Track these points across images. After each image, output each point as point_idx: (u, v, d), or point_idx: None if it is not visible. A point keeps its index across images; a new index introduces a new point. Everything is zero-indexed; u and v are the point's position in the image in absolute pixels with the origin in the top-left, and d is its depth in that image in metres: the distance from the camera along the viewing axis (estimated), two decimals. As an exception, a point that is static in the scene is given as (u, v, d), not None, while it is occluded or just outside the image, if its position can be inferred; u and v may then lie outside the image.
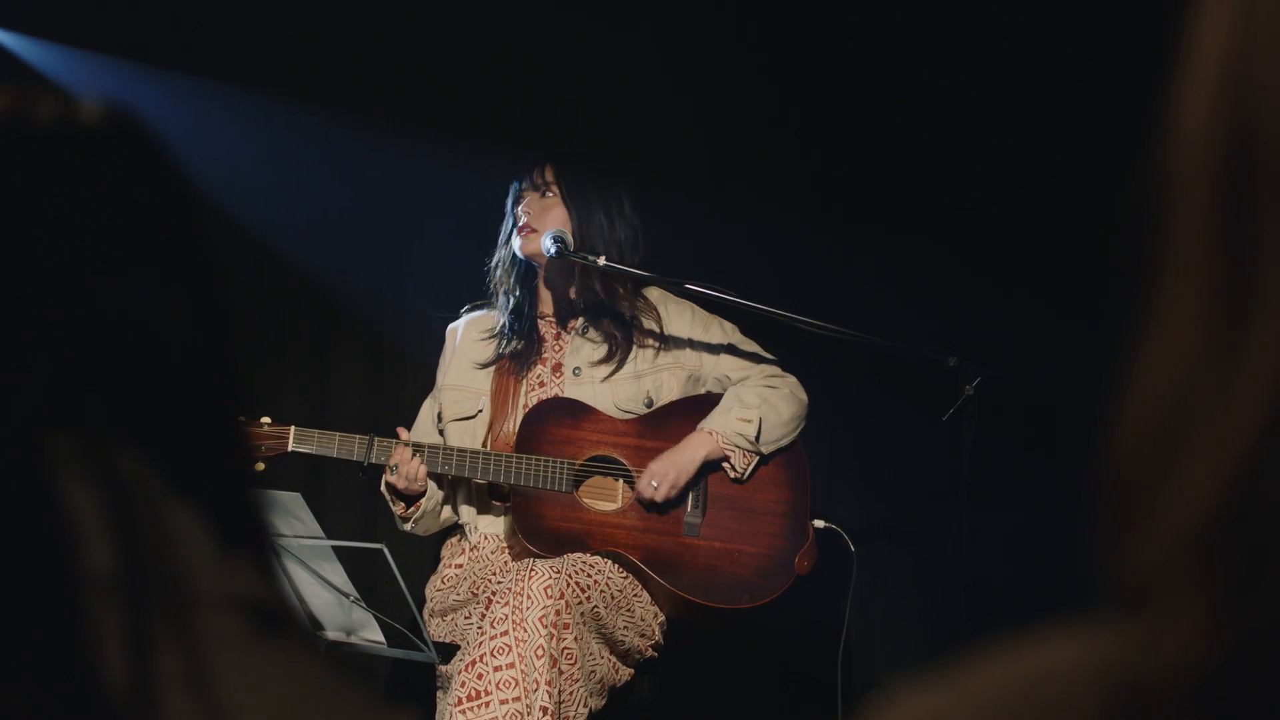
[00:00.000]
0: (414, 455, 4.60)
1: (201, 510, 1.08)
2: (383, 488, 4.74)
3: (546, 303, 4.94)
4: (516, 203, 4.85)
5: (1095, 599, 0.69)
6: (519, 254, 4.84)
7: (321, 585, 4.34)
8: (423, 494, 4.66)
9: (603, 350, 4.83)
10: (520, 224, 4.82)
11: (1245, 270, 0.66)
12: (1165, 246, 0.69)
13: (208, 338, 1.17)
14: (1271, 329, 0.65)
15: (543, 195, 4.80)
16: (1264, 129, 0.66)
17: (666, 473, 4.69)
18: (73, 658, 0.97)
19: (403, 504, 4.69)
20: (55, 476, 1.02)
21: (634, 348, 4.83)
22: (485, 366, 4.86)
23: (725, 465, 4.74)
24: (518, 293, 4.88)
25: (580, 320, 4.87)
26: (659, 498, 4.67)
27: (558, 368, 4.85)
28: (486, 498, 4.80)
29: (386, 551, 4.15)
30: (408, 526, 4.73)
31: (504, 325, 4.88)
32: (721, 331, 4.90)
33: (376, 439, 4.62)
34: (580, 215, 4.78)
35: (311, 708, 1.05)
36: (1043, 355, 5.35)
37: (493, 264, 4.95)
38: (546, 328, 4.92)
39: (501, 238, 4.93)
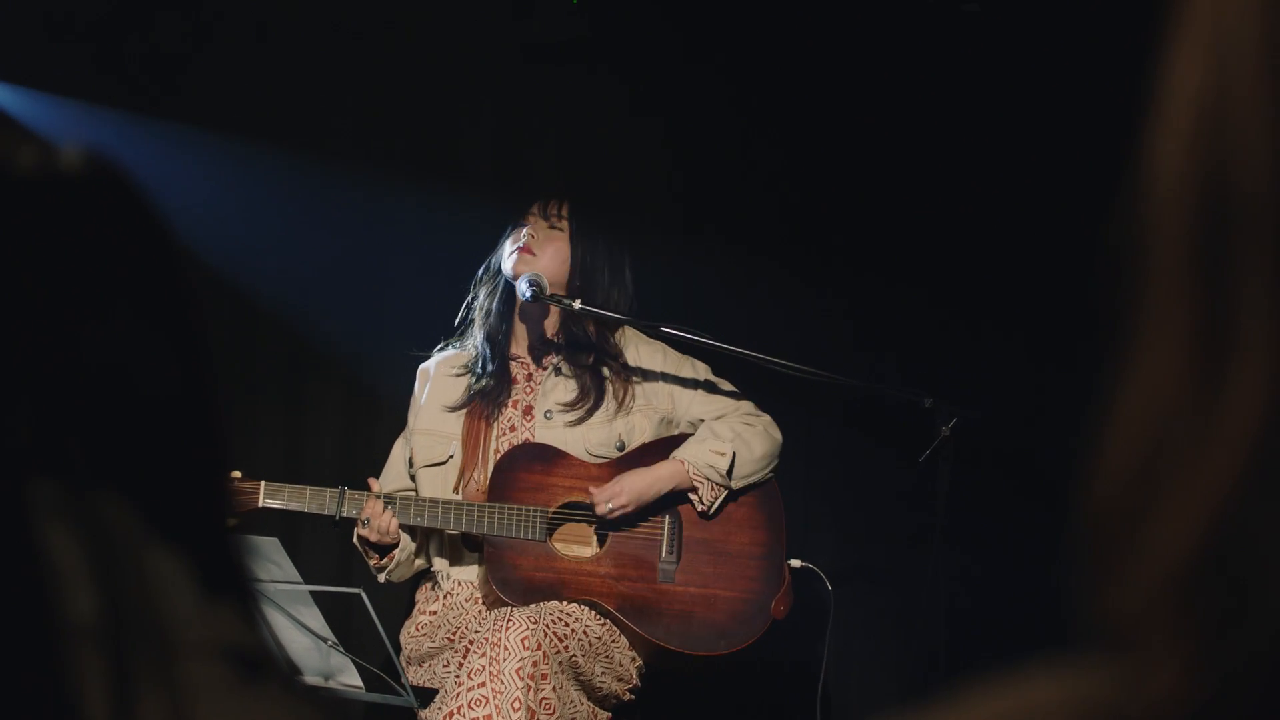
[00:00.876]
0: (385, 509, 4.59)
1: (183, 557, 1.08)
2: (355, 540, 4.72)
3: (520, 342, 4.93)
4: (518, 226, 4.84)
5: (1076, 641, 0.70)
6: (507, 272, 4.83)
7: (299, 630, 4.33)
8: (395, 545, 4.64)
9: (575, 392, 4.82)
10: (521, 243, 4.82)
11: (1223, 316, 0.66)
12: (1143, 292, 0.69)
13: (190, 385, 1.17)
14: (1249, 375, 0.65)
15: (551, 226, 4.80)
16: (1239, 176, 0.67)
17: (625, 500, 4.67)
18: (55, 707, 0.97)
19: (376, 555, 4.68)
20: (37, 525, 1.02)
21: (606, 391, 4.83)
22: (456, 410, 4.85)
23: (693, 496, 4.74)
24: (494, 324, 4.87)
25: (555, 359, 4.86)
26: (609, 518, 4.66)
27: (529, 410, 4.84)
28: (458, 545, 4.79)
29: (364, 596, 4.15)
30: (382, 577, 4.72)
31: (476, 360, 4.87)
32: (694, 371, 4.90)
33: (348, 491, 4.61)
34: (582, 260, 4.78)
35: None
36: (1019, 396, 5.36)
37: (471, 297, 4.94)
38: (519, 368, 4.91)
39: (487, 269, 4.92)
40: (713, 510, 4.75)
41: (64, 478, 1.05)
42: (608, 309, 4.78)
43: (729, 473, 4.72)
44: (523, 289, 4.69)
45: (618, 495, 4.67)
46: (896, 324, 5.76)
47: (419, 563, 4.79)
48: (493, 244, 4.97)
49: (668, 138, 6.00)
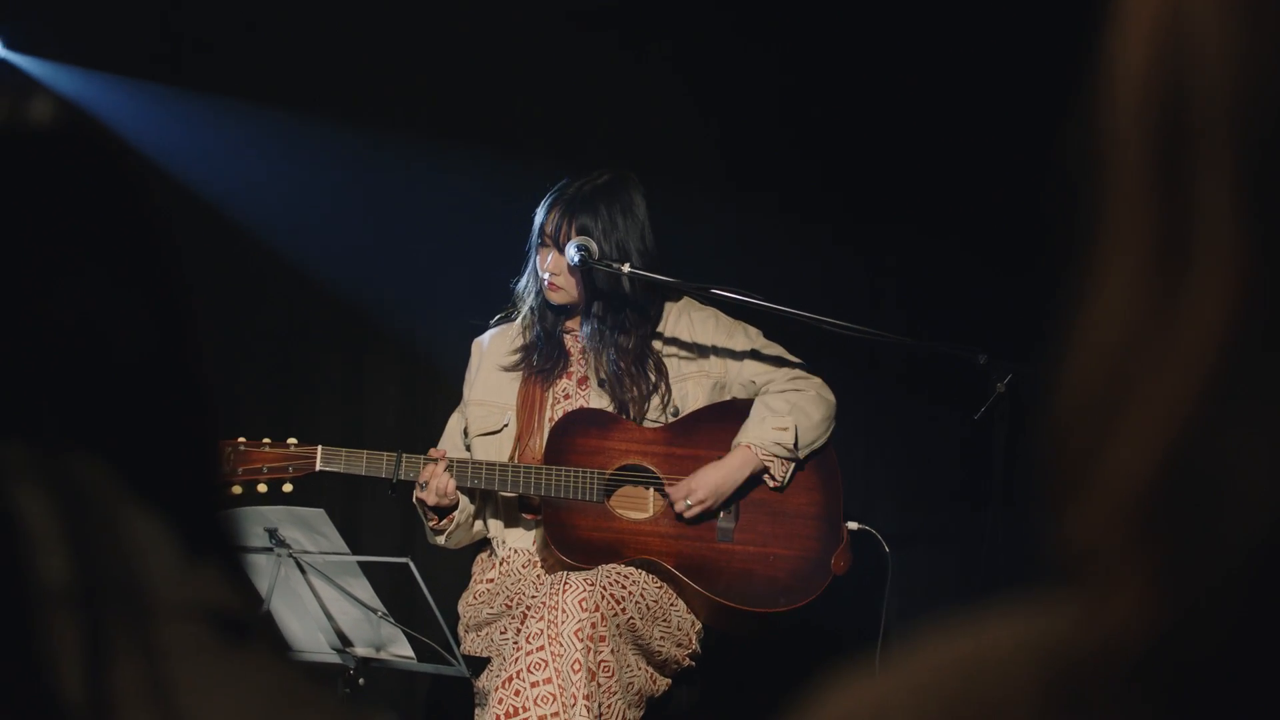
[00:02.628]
0: (444, 470, 4.58)
1: (163, 518, 1.05)
2: (415, 501, 4.72)
3: (571, 317, 4.91)
4: (540, 242, 4.81)
5: (1039, 575, 0.66)
6: (551, 303, 4.82)
7: (349, 601, 4.32)
8: (454, 508, 4.63)
9: (627, 361, 4.80)
10: (545, 282, 4.79)
11: (1183, 228, 0.63)
12: (1101, 207, 0.66)
13: (169, 344, 1.14)
14: (1210, 288, 0.62)
15: (561, 251, 4.75)
16: (1199, 85, 0.64)
17: (702, 495, 4.66)
18: (27, 672, 0.94)
19: (435, 516, 4.66)
20: (6, 486, 0.99)
21: (653, 359, 4.81)
22: (510, 371, 4.84)
23: (765, 477, 4.71)
24: (542, 310, 4.85)
25: (606, 332, 4.83)
26: (688, 515, 4.65)
27: (583, 380, 4.83)
28: (515, 512, 4.77)
29: (413, 566, 4.13)
30: (440, 540, 4.70)
31: (530, 340, 4.86)
32: (745, 337, 4.87)
33: (404, 455, 4.60)
34: (596, 237, 4.73)
35: (279, 718, 1.02)
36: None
37: (520, 282, 4.92)
38: (572, 342, 4.89)
39: (527, 263, 4.89)
40: (785, 483, 4.73)
41: (35, 438, 1.02)
42: (634, 254, 4.74)
43: (795, 444, 4.69)
44: (571, 254, 4.66)
45: (694, 491, 4.65)
46: (950, 281, 5.70)
47: (478, 528, 4.78)
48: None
49: (716, 101, 5.96)
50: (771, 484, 4.72)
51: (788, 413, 4.71)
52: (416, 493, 4.62)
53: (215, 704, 0.99)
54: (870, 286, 5.87)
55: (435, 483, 4.56)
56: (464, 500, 4.66)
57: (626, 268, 4.64)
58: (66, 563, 0.97)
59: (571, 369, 4.86)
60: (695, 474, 4.69)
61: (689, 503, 4.65)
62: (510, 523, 4.78)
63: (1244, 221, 0.62)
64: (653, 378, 4.79)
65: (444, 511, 4.65)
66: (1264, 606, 0.59)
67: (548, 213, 4.78)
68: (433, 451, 4.68)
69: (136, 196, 1.16)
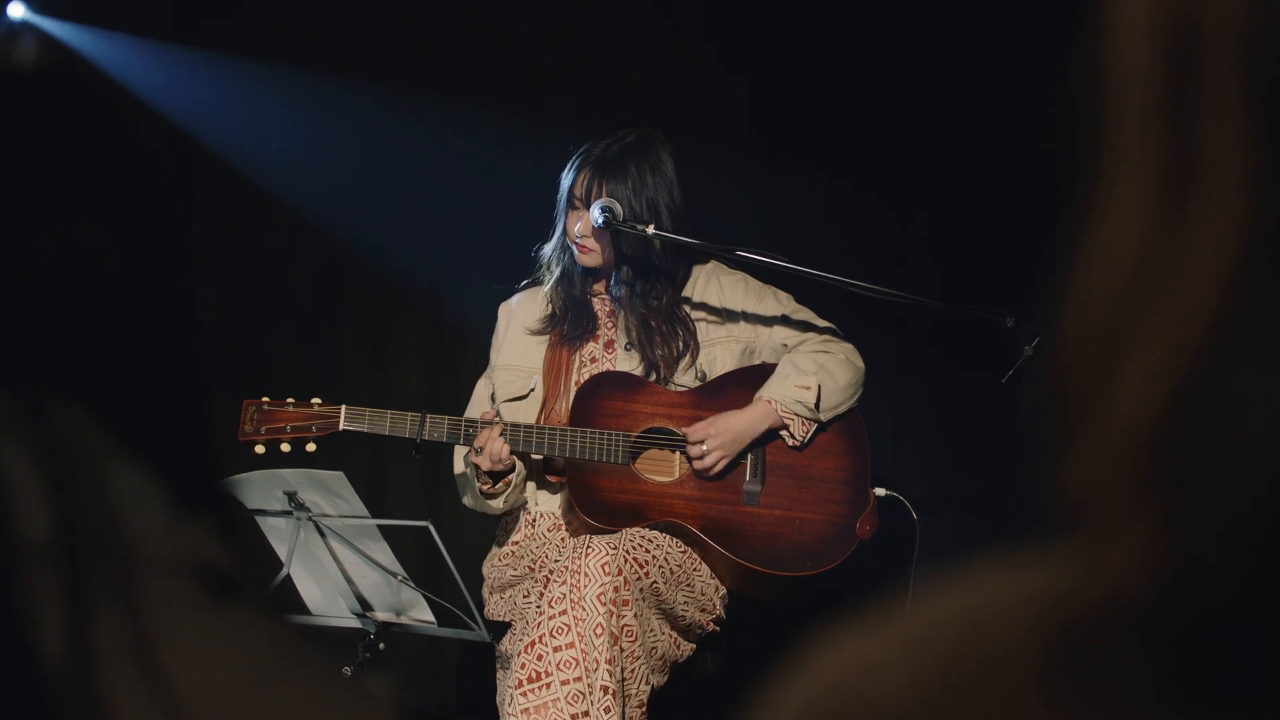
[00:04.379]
0: (499, 435, 4.55)
1: (150, 471, 1.03)
2: (467, 468, 4.69)
3: (598, 281, 4.88)
4: (569, 204, 4.78)
5: (1037, 525, 0.63)
6: (580, 265, 4.80)
7: (368, 565, 4.31)
8: (510, 471, 4.60)
9: (658, 320, 4.77)
10: (576, 244, 4.77)
11: (1190, 157, 0.60)
12: (1105, 138, 0.62)
13: (157, 292, 1.11)
14: (1218, 219, 0.58)
15: (588, 210, 4.72)
16: (1207, 11, 0.60)
17: (720, 444, 4.63)
18: (8, 625, 0.92)
19: (489, 480, 4.63)
20: (-12, 437, 0.96)
21: (687, 323, 4.79)
22: (538, 335, 4.82)
23: (784, 434, 4.69)
24: (571, 262, 4.83)
25: (634, 294, 4.80)
26: (705, 465, 4.62)
27: (610, 344, 4.81)
28: (540, 476, 4.75)
29: (433, 529, 4.11)
30: (498, 503, 4.67)
31: (559, 304, 4.83)
32: (776, 301, 4.84)
33: (429, 415, 4.58)
34: (623, 200, 4.70)
35: (268, 677, 0.99)
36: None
37: (547, 247, 4.89)
38: (600, 305, 4.87)
39: (555, 229, 4.86)
40: (803, 444, 4.70)
41: (17, 388, 1.00)
42: (664, 258, 4.72)
43: (816, 405, 4.66)
44: (595, 215, 4.63)
45: (711, 436, 4.62)
46: (976, 243, 5.67)
47: (529, 489, 4.76)
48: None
49: (744, 61, 5.93)
50: (790, 442, 4.69)
51: (813, 372, 4.68)
52: (471, 457, 4.59)
53: (200, 662, 0.96)
54: (898, 248, 5.83)
55: (490, 448, 4.53)
56: (517, 462, 4.63)
57: (651, 229, 4.61)
58: (47, 515, 0.95)
59: (599, 333, 4.84)
60: (713, 419, 4.66)
61: (706, 448, 4.63)
62: (538, 485, 4.76)
63: (1253, 149, 0.58)
64: (682, 339, 4.76)
65: (498, 476, 4.62)
66: (1272, 556, 0.56)
67: (576, 174, 4.75)
68: (485, 415, 4.66)
69: (127, 141, 1.13)
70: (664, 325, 4.76)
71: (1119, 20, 0.64)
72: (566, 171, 4.78)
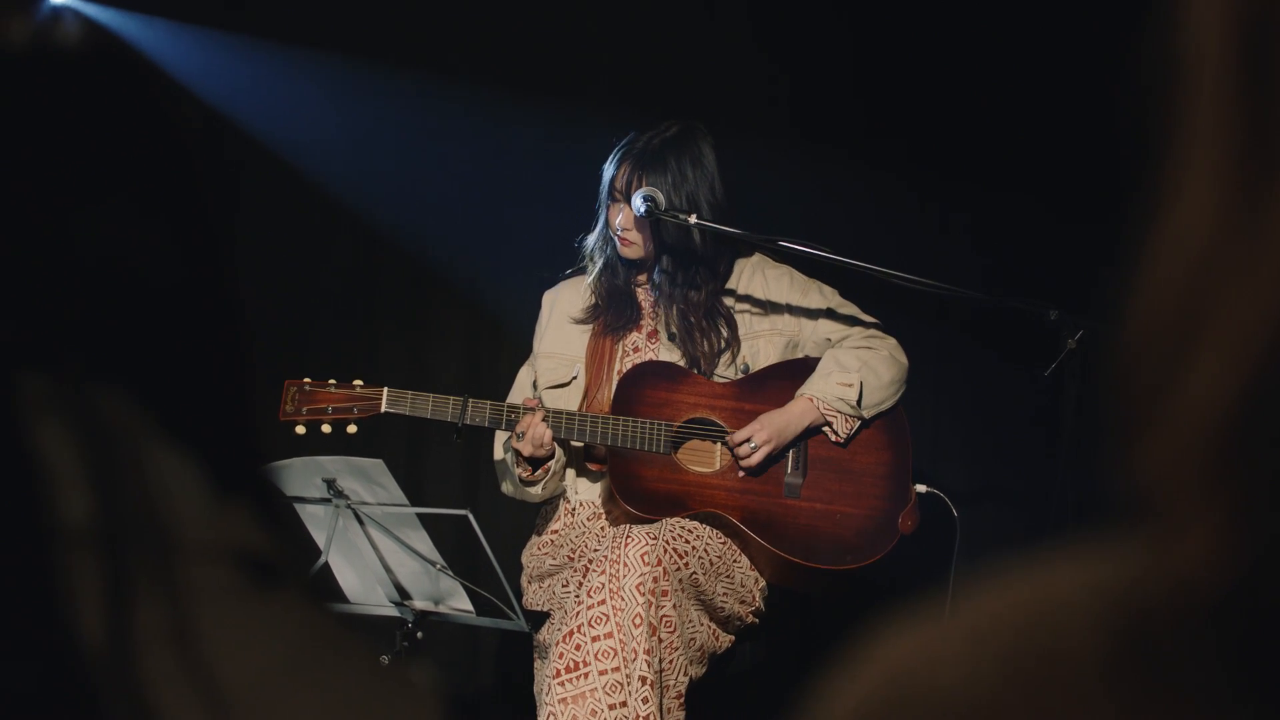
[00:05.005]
0: (541, 420, 4.54)
1: (192, 455, 1.02)
2: (506, 455, 4.69)
3: (641, 272, 4.87)
4: (610, 197, 4.77)
5: (1107, 515, 0.61)
6: (622, 257, 4.79)
7: (407, 553, 4.30)
8: (549, 458, 4.60)
9: (698, 316, 4.76)
10: (618, 237, 4.77)
11: (1272, 132, 0.57)
12: (1181, 113, 0.60)
13: (199, 273, 1.10)
14: None
15: (630, 203, 4.71)
16: None
17: (767, 438, 4.62)
18: (46, 613, 0.91)
19: (529, 467, 4.62)
20: (27, 420, 0.95)
21: (729, 317, 4.77)
22: (581, 324, 4.81)
23: (827, 430, 4.67)
24: (614, 253, 4.82)
25: (676, 285, 4.79)
26: (752, 462, 4.61)
27: (653, 334, 4.81)
28: (581, 465, 4.75)
29: (472, 518, 4.10)
30: (537, 490, 4.66)
31: (600, 294, 4.83)
32: (820, 296, 4.83)
33: (471, 400, 4.57)
34: (663, 193, 4.68)
35: (308, 666, 0.98)
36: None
37: (590, 239, 4.88)
38: (643, 295, 4.86)
39: (598, 222, 4.86)
40: (846, 441, 4.69)
41: (57, 371, 0.98)
42: (707, 249, 4.71)
43: (859, 402, 4.64)
44: (637, 204, 4.62)
45: (757, 432, 4.61)
46: (1021, 234, 5.64)
47: (569, 477, 4.75)
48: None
49: (786, 52, 5.91)
50: (833, 438, 4.69)
51: (856, 369, 4.67)
52: (513, 443, 4.58)
53: (241, 649, 0.95)
54: (940, 240, 5.80)
55: (533, 432, 4.53)
56: (558, 450, 4.63)
57: (693, 219, 4.60)
58: (88, 500, 0.94)
59: (642, 323, 4.84)
60: (753, 423, 4.65)
61: (754, 444, 4.62)
62: (579, 473, 4.76)
63: None
64: (724, 332, 4.75)
65: (537, 463, 4.62)
66: None
67: (617, 168, 4.74)
68: (527, 401, 4.66)
69: (167, 122, 1.12)
70: (703, 320, 4.76)
71: None
72: (608, 164, 4.77)
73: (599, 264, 4.85)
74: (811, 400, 4.66)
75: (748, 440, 4.63)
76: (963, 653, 0.64)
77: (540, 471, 4.62)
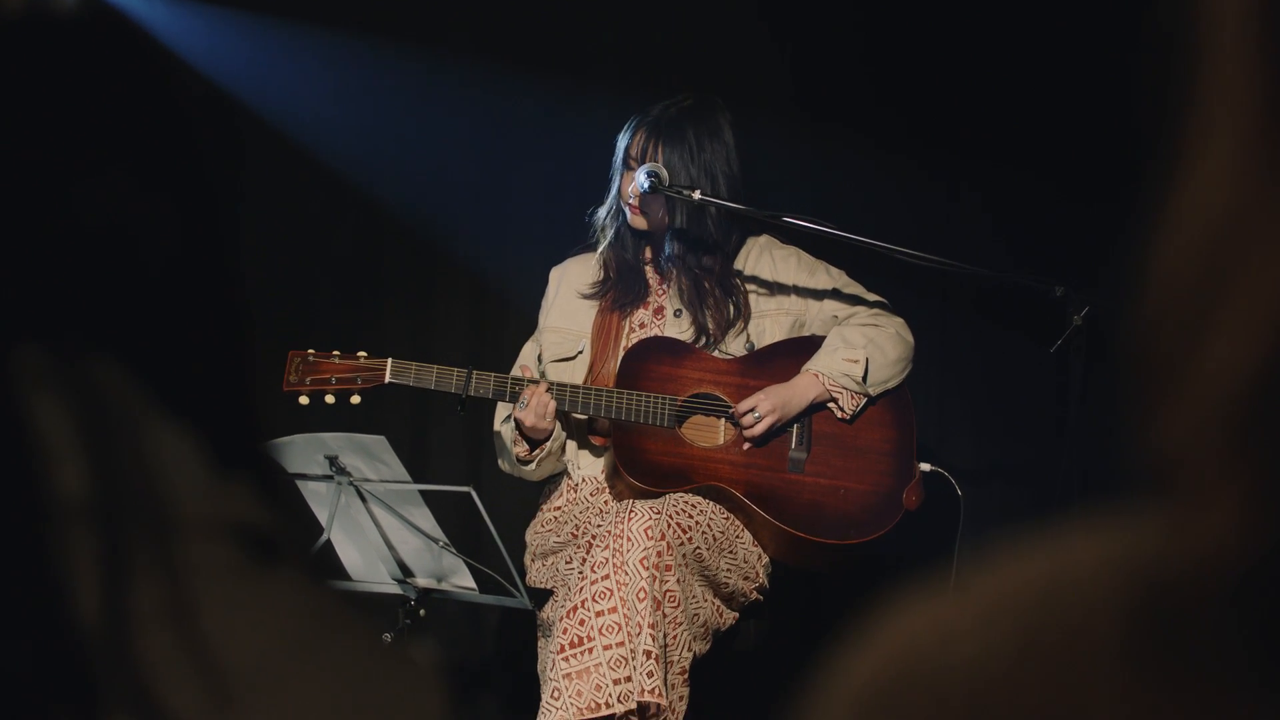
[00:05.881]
0: (545, 390, 4.54)
1: (191, 429, 1.00)
2: (508, 430, 4.68)
3: (651, 248, 4.86)
4: (625, 165, 4.75)
5: (1125, 487, 0.59)
6: (633, 228, 4.78)
7: (410, 530, 4.29)
8: (547, 436, 4.59)
9: (711, 282, 4.75)
10: (629, 206, 4.74)
11: None
12: (1197, 69, 0.59)
13: (198, 244, 1.08)
14: None
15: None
16: None
17: (771, 408, 4.61)
18: (42, 589, 0.89)
19: (526, 445, 4.62)
20: (22, 393, 0.94)
21: (741, 291, 4.77)
22: (588, 299, 4.80)
23: (832, 406, 4.67)
24: (623, 229, 4.80)
25: (687, 260, 4.78)
26: (756, 432, 4.60)
27: (659, 310, 4.80)
28: (584, 440, 4.74)
29: (474, 494, 4.10)
30: (532, 468, 4.66)
31: (611, 269, 4.82)
32: (828, 275, 4.83)
33: (475, 371, 4.57)
34: (679, 164, 4.67)
35: (308, 644, 0.97)
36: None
37: (601, 210, 4.87)
38: (651, 271, 4.86)
39: (610, 192, 4.84)
40: (852, 418, 4.68)
41: (53, 343, 0.97)
42: (717, 224, 4.70)
43: (864, 379, 4.63)
44: (641, 180, 4.60)
45: (766, 411, 4.61)
46: (1026, 210, 5.62)
47: (566, 459, 4.74)
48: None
49: (790, 27, 5.90)
50: (839, 414, 4.68)
51: (862, 346, 4.66)
52: (516, 412, 4.57)
53: (240, 626, 0.94)
54: (946, 216, 5.78)
55: (536, 401, 4.52)
56: (557, 429, 4.62)
57: (698, 194, 4.58)
58: (84, 475, 0.93)
59: (649, 299, 4.83)
60: (759, 394, 4.65)
61: (757, 414, 4.61)
62: (582, 448, 4.75)
63: None
64: (735, 304, 4.74)
65: (535, 442, 4.61)
66: None
67: (633, 135, 4.73)
68: (526, 371, 4.65)
69: (167, 95, 1.11)
70: (717, 289, 4.75)
71: None
72: (623, 133, 4.76)
73: (609, 236, 4.83)
74: (817, 376, 4.65)
75: (752, 410, 4.62)
76: (976, 628, 0.63)
77: (538, 450, 4.62)
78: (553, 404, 4.54)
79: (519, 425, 4.58)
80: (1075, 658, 0.60)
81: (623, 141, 4.75)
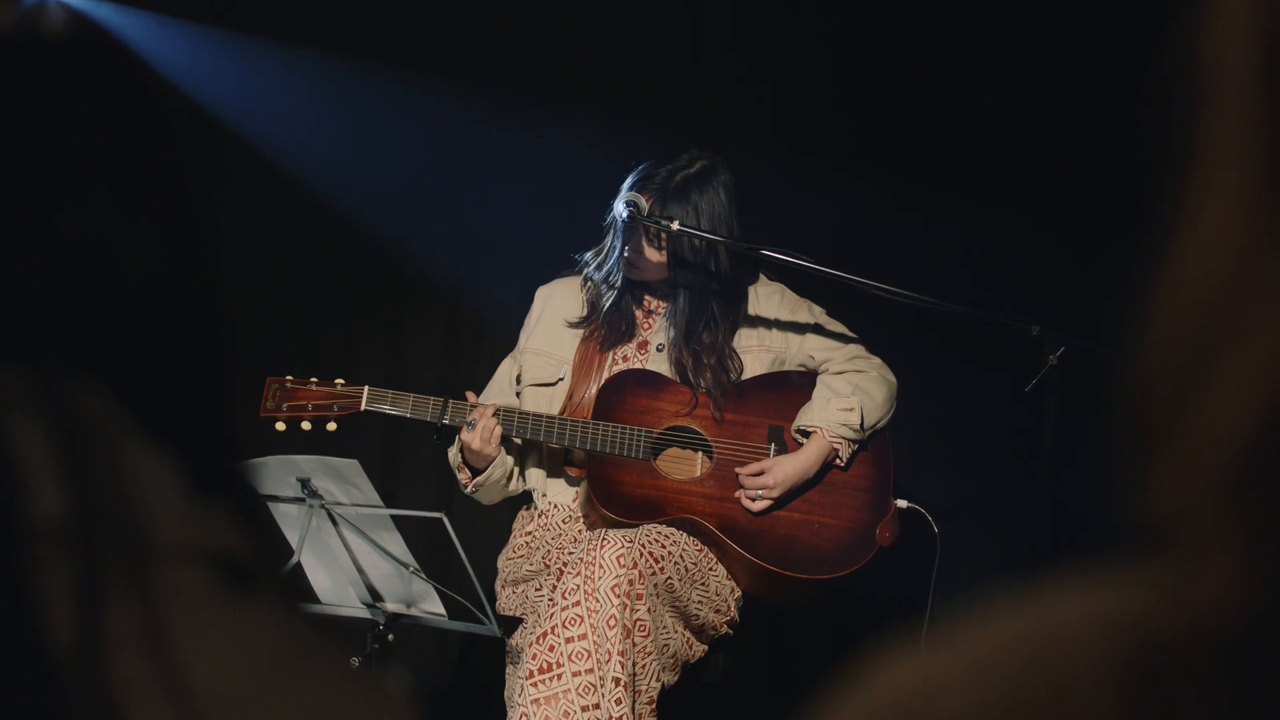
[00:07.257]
0: (492, 415, 4.54)
1: (169, 453, 1.00)
2: (452, 454, 4.67)
3: (647, 291, 4.85)
4: (628, 221, 4.70)
5: (1117, 544, 0.59)
6: (630, 279, 4.78)
7: (380, 555, 4.28)
8: (489, 463, 4.58)
9: (707, 361, 4.74)
10: (626, 257, 4.72)
11: None
12: (1202, 130, 0.58)
13: (182, 267, 1.08)
14: None
15: (646, 236, 4.69)
16: None
17: (779, 494, 4.62)
18: (14, 612, 0.89)
19: (469, 473, 4.62)
20: (1, 413, 0.93)
21: (737, 357, 4.76)
22: (573, 326, 4.79)
23: (835, 459, 4.68)
24: (614, 263, 4.78)
25: (669, 302, 4.77)
26: (753, 507, 4.62)
27: (643, 345, 4.80)
28: (558, 465, 4.74)
29: (446, 520, 4.09)
30: (469, 490, 4.66)
31: (602, 307, 4.80)
32: (809, 313, 4.83)
33: (451, 401, 4.57)
34: (676, 254, 4.67)
35: (281, 670, 0.96)
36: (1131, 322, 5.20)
37: (589, 255, 4.85)
38: (640, 312, 4.84)
39: (606, 244, 4.81)
40: (847, 464, 4.68)
41: (31, 365, 0.96)
42: (718, 276, 4.69)
43: (861, 425, 4.64)
44: (619, 209, 4.60)
45: (771, 488, 4.62)
46: (1003, 251, 5.64)
47: (512, 488, 4.73)
48: (597, 171, 4.88)
49: (770, 60, 5.91)
50: (839, 464, 4.69)
51: (851, 394, 4.67)
52: (462, 434, 4.57)
53: (214, 652, 0.93)
54: (921, 252, 5.79)
55: (483, 423, 4.52)
56: (501, 457, 4.61)
57: (675, 224, 4.57)
58: (60, 497, 0.92)
59: (635, 336, 4.81)
60: (773, 465, 4.64)
61: (761, 492, 4.61)
62: (553, 475, 4.75)
63: None
64: (731, 373, 4.74)
65: (478, 470, 4.61)
66: None
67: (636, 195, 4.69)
68: (469, 395, 4.65)
69: (150, 116, 1.10)
70: (716, 364, 4.74)
71: (1217, 6, 0.59)
72: (624, 189, 4.70)
73: (601, 285, 4.81)
74: (822, 433, 4.65)
75: (758, 489, 4.62)
76: (964, 683, 0.62)
77: (481, 477, 4.61)
78: (499, 430, 4.53)
79: (464, 447, 4.58)
80: (1064, 713, 0.59)
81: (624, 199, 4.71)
